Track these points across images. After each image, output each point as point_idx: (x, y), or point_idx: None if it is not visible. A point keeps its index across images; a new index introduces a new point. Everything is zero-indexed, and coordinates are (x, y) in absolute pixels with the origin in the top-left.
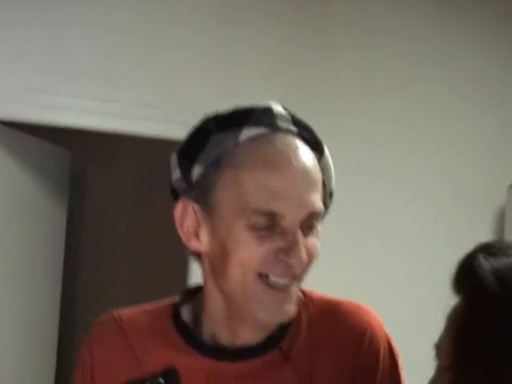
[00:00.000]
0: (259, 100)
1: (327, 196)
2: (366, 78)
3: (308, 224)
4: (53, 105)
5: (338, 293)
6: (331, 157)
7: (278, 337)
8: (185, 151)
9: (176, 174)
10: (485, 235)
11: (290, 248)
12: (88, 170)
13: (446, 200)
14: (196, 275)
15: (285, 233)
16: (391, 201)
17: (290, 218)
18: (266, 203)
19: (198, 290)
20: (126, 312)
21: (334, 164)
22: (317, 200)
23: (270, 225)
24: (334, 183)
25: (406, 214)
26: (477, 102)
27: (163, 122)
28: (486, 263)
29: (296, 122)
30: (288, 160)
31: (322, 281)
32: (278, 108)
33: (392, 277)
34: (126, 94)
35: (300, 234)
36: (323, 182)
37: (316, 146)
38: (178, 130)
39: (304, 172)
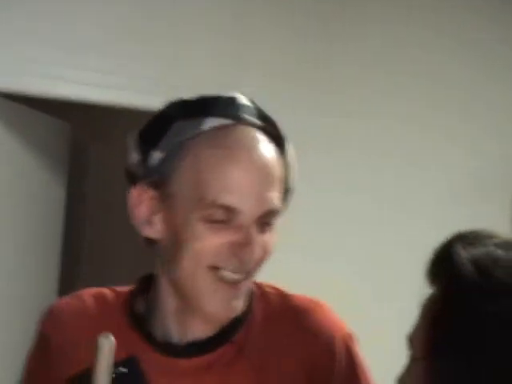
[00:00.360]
0: (275, 77)
1: (287, 192)
2: (383, 57)
3: (264, 220)
4: (53, 76)
5: (352, 284)
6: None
7: (232, 331)
8: (146, 135)
9: (134, 156)
10: (502, 220)
11: (244, 244)
12: (89, 144)
13: (462, 184)
14: None
15: (240, 228)
16: (406, 185)
17: (247, 213)
18: (224, 197)
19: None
20: (87, 293)
21: (348, 146)
22: (275, 197)
23: (226, 218)
24: (294, 179)
25: (421, 199)
26: (497, 83)
27: (168, 96)
28: (464, 252)
29: (261, 115)
30: (249, 155)
31: (338, 272)
32: (243, 99)
33: (408, 263)
34: (129, 66)
35: (255, 231)
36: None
37: (279, 142)
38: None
39: (264, 168)
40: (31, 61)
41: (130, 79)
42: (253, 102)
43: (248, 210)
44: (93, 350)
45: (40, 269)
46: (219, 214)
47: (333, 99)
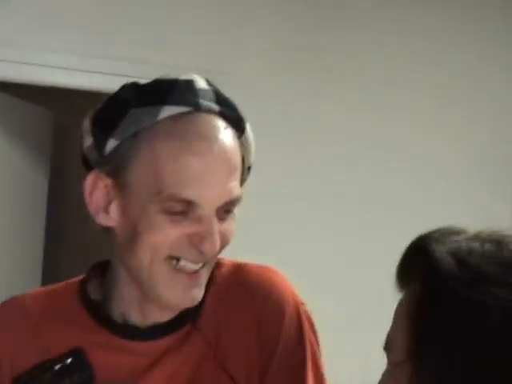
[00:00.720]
0: (275, 64)
1: (245, 171)
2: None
3: (224, 209)
4: (33, 62)
5: (362, 272)
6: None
7: (192, 312)
8: (100, 120)
9: (88, 141)
10: (505, 206)
11: (205, 235)
12: (72, 131)
13: (465, 170)
14: None
15: (200, 219)
16: (406, 171)
17: (207, 206)
18: (183, 190)
19: (108, 265)
20: (30, 295)
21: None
22: (235, 187)
23: (185, 210)
24: (253, 158)
25: (423, 185)
26: (499, 71)
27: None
28: (440, 247)
29: (219, 98)
30: (209, 146)
31: (349, 259)
32: (201, 83)
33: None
34: (114, 50)
35: (215, 222)
36: (243, 157)
37: (238, 124)
38: None
39: (225, 159)
40: (8, 46)
41: (115, 63)
42: (210, 84)
43: (208, 202)
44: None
45: (24, 254)
46: (179, 206)
47: (333, 87)
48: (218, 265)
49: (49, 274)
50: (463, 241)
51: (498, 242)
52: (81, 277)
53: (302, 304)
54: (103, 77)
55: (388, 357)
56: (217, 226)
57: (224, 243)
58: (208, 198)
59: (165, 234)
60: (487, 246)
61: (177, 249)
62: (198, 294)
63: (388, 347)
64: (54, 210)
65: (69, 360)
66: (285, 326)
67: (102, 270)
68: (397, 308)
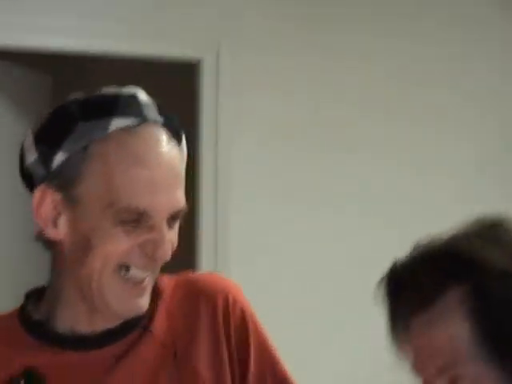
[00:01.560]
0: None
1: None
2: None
3: (173, 217)
4: (30, 26)
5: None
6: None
7: (141, 317)
8: (45, 135)
9: (32, 157)
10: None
11: (157, 243)
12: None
13: (468, 166)
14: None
15: (152, 228)
16: (411, 139)
17: (158, 215)
18: (136, 202)
19: (43, 290)
20: None
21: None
22: (183, 196)
23: (137, 219)
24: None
25: (427, 179)
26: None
27: (152, 40)
28: (484, 249)
29: (161, 110)
30: (157, 157)
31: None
32: (142, 96)
33: None
34: (111, 11)
35: (166, 229)
36: None
37: (178, 134)
38: (169, 49)
39: (173, 168)
40: (5, 10)
41: (113, 25)
42: (150, 98)
43: (160, 211)
44: None
45: (20, 224)
46: (131, 217)
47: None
48: (161, 277)
49: None
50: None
51: None
52: (15, 307)
53: (247, 305)
54: (103, 40)
55: (433, 368)
56: (167, 234)
57: (172, 249)
58: (159, 207)
59: (118, 245)
60: None
61: (128, 256)
62: (144, 302)
63: (435, 357)
64: None
65: (21, 382)
66: (250, 326)
67: (39, 295)
68: (432, 318)
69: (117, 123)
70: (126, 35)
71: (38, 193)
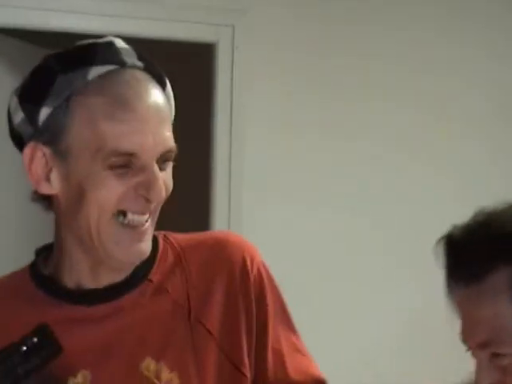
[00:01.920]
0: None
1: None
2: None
3: (163, 159)
4: (44, 6)
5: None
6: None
7: (144, 270)
8: (28, 93)
9: (18, 117)
10: None
11: (150, 183)
12: None
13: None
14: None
15: (143, 169)
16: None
17: (147, 155)
18: (124, 144)
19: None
20: None
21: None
22: (170, 137)
23: (127, 163)
24: (173, 112)
25: (428, 179)
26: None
27: (168, 21)
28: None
29: (140, 56)
30: (141, 97)
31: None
32: (120, 43)
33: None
34: None
35: (157, 170)
36: None
37: (160, 79)
38: (186, 30)
39: (157, 109)
40: None
41: (128, 5)
42: (129, 45)
43: (148, 150)
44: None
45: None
46: (121, 160)
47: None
48: (166, 235)
49: None
50: None
51: None
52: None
53: (261, 260)
54: (119, 20)
55: (477, 340)
56: (159, 174)
57: (166, 193)
58: (147, 147)
59: (111, 190)
60: None
61: (123, 202)
62: (146, 248)
63: (480, 331)
64: None
65: (34, 339)
66: (265, 284)
67: (49, 251)
68: (480, 293)
69: (96, 71)
70: (142, 17)
71: (27, 150)
